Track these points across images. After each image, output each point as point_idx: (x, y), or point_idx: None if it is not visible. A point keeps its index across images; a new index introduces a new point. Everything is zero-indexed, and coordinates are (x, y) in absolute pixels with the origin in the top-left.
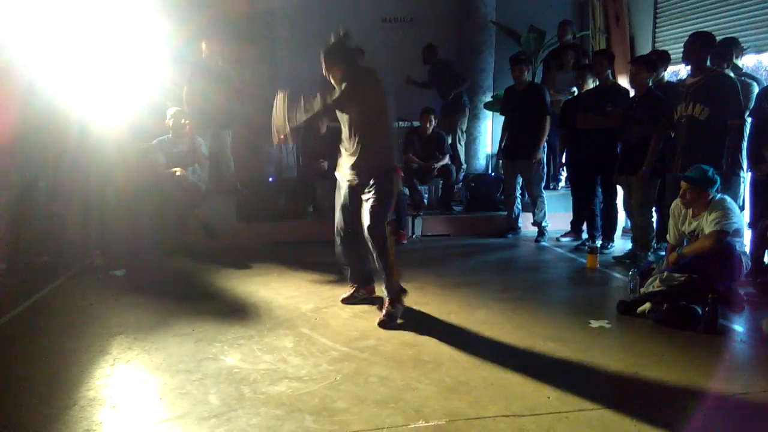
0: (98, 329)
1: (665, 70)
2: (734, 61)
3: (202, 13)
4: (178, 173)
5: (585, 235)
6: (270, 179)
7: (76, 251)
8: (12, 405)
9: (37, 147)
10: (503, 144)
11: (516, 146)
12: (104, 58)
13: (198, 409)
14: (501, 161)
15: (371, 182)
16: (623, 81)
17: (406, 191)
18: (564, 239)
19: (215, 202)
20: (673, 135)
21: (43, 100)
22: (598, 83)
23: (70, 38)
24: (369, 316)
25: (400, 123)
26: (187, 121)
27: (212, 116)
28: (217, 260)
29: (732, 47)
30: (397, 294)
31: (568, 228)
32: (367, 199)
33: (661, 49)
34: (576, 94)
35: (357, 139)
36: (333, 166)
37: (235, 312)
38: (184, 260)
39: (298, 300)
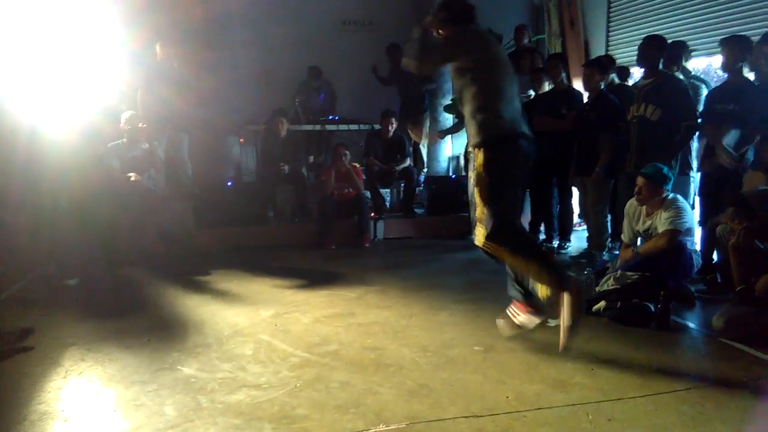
0: (50, 341)
1: (614, 73)
2: (683, 64)
3: (158, 16)
4: (132, 178)
5: (542, 236)
6: (229, 183)
7: (27, 260)
8: None
9: None
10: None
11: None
12: (57, 60)
13: (153, 420)
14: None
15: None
16: (578, 84)
17: (368, 194)
18: None
19: (172, 207)
20: (623, 137)
21: None
22: (553, 86)
23: (22, 39)
24: (331, 320)
25: (361, 126)
26: (143, 125)
27: (168, 120)
28: (174, 267)
29: (681, 50)
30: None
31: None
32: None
33: (613, 52)
34: (532, 97)
35: (465, 107)
36: (293, 170)
37: (193, 320)
38: (139, 268)
39: (259, 306)
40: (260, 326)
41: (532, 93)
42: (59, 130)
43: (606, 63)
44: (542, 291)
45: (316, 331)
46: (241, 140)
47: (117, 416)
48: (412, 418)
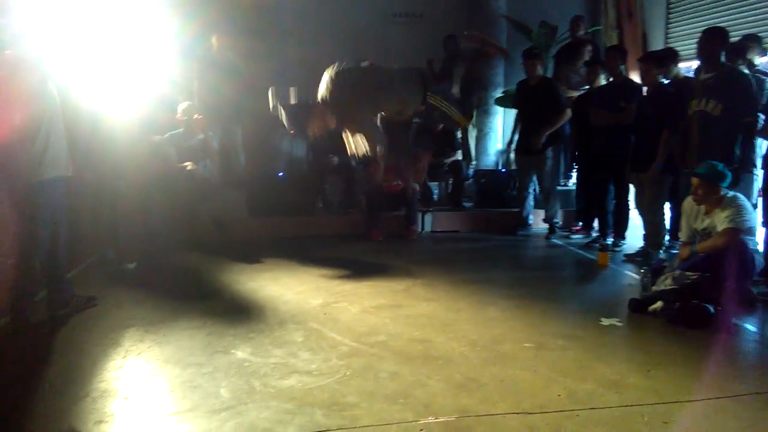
0: (110, 321)
1: (677, 66)
2: (751, 57)
3: (210, 7)
4: (189, 167)
5: (595, 233)
6: (280, 174)
7: (88, 245)
8: (25, 396)
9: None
10: (515, 139)
11: (530, 141)
12: (115, 52)
13: (208, 401)
14: (514, 156)
15: None
16: (636, 77)
17: (417, 187)
18: (575, 236)
19: (225, 196)
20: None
21: (54, 94)
22: (611, 79)
23: (82, 32)
24: (378, 311)
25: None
26: (198, 116)
27: (223, 111)
28: (227, 254)
29: (749, 43)
30: None
31: (578, 224)
32: None
33: (673, 45)
34: (587, 90)
35: None
36: (342, 162)
37: (246, 306)
38: (194, 254)
39: (308, 295)
40: (310, 314)
41: (587, 87)
42: (118, 120)
43: (663, 56)
44: None
45: (364, 321)
46: (292, 132)
47: (174, 396)
48: (462, 412)
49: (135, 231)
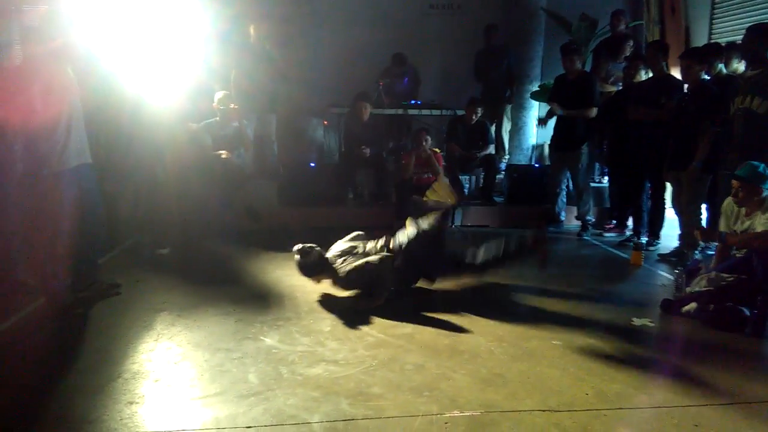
0: (143, 305)
1: (730, 62)
2: None
3: None
4: (223, 156)
5: (629, 232)
6: (312, 164)
7: (124, 229)
8: (60, 374)
9: (93, 127)
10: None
11: (564, 137)
12: (154, 40)
13: (237, 387)
14: (548, 152)
15: None
16: (678, 73)
17: (446, 181)
18: (608, 234)
19: (258, 185)
20: (723, 129)
21: (99, 81)
22: (651, 75)
23: (125, 20)
24: (404, 303)
25: (443, 111)
26: (234, 105)
27: (258, 100)
28: (259, 242)
29: None
30: None
31: (611, 222)
32: None
33: (717, 41)
34: (624, 85)
35: None
36: (373, 154)
37: (275, 294)
38: (226, 241)
39: None
40: (337, 305)
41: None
42: (157, 108)
43: (704, 53)
44: None
45: (391, 312)
46: (325, 123)
47: (203, 380)
48: (487, 407)
49: (170, 217)
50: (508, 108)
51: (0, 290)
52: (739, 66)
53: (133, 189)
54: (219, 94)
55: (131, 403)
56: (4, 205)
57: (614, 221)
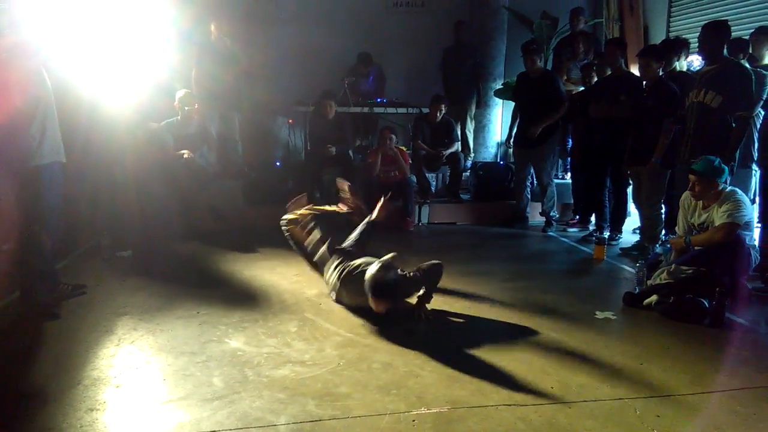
0: (104, 309)
1: (680, 59)
2: (763, 51)
3: None
4: (185, 156)
5: (593, 226)
6: (277, 163)
7: (84, 231)
8: (17, 382)
9: None
10: (514, 131)
11: (527, 134)
12: (113, 38)
13: (201, 390)
14: (512, 149)
15: None
16: (636, 70)
17: (414, 178)
18: (571, 229)
19: (222, 185)
20: (680, 125)
21: (54, 79)
22: (609, 72)
23: (81, 19)
24: None
25: (409, 109)
26: (196, 105)
27: (221, 98)
28: (223, 243)
29: (760, 36)
30: None
31: (575, 218)
32: None
33: (681, 37)
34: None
35: None
36: (339, 152)
37: (240, 295)
38: (190, 243)
39: (303, 285)
40: (305, 304)
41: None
42: (116, 108)
43: (662, 50)
44: None
45: (359, 312)
46: (290, 121)
47: (167, 385)
48: (454, 403)
49: (131, 219)
50: (473, 107)
51: None
52: (682, 63)
53: (91, 190)
54: (180, 93)
55: (92, 410)
56: None
57: (577, 216)
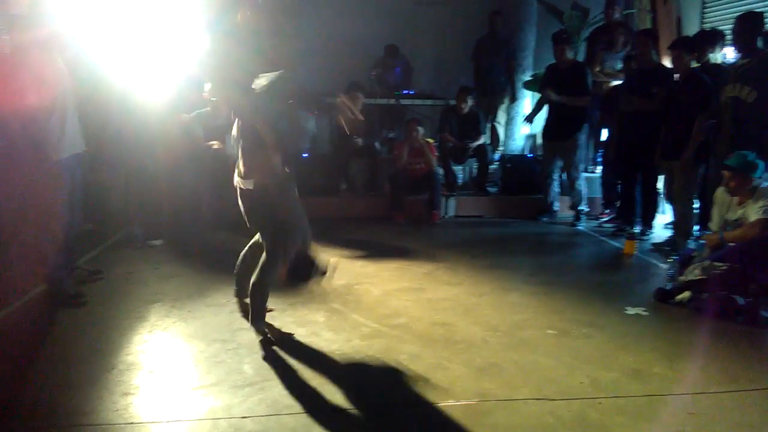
0: (137, 297)
1: (714, 51)
2: None
3: None
4: (215, 146)
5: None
6: (304, 155)
7: (117, 220)
8: (54, 366)
9: (82, 118)
10: (538, 120)
11: (557, 127)
12: (143, 30)
13: (232, 377)
14: (541, 142)
15: None
16: (669, 63)
17: (440, 171)
18: (601, 223)
19: None
20: (715, 119)
21: (87, 71)
22: (636, 64)
23: (112, 10)
24: (400, 294)
25: (436, 101)
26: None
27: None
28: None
29: None
30: None
31: (606, 211)
32: None
33: (716, 29)
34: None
35: None
36: (366, 144)
37: None
38: (219, 232)
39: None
40: (332, 295)
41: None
42: (146, 99)
43: (694, 42)
44: None
45: (386, 303)
46: (316, 113)
47: (198, 371)
48: (482, 396)
49: (162, 209)
50: (506, 99)
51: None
52: (717, 55)
53: (123, 180)
54: (209, 85)
55: (126, 394)
56: (11, 194)
57: (607, 210)
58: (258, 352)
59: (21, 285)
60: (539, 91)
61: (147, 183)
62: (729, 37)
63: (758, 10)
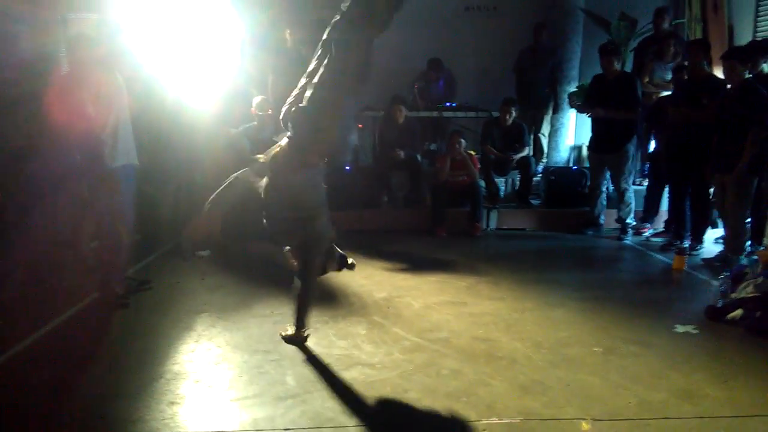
0: (184, 307)
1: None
2: None
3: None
4: (261, 160)
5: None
6: (347, 168)
7: (167, 232)
8: (102, 375)
9: (135, 131)
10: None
11: (605, 139)
12: (194, 45)
13: (275, 388)
14: (587, 153)
15: None
16: (720, 73)
17: (482, 183)
18: (648, 237)
19: None
20: None
21: (141, 87)
22: (691, 74)
23: (165, 26)
24: (441, 308)
25: (479, 113)
26: (271, 111)
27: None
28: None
29: None
30: None
31: (646, 226)
32: None
33: (763, 38)
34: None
35: None
36: (408, 156)
37: None
38: (264, 244)
39: (371, 288)
40: (373, 308)
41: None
42: (196, 113)
43: (747, 52)
44: None
45: (427, 317)
46: (360, 126)
47: (242, 381)
48: (526, 414)
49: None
50: (550, 110)
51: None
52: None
53: (173, 192)
54: (257, 99)
55: (172, 403)
56: (61, 205)
57: (647, 224)
58: (300, 364)
59: (76, 292)
60: (584, 103)
61: (195, 195)
62: None
63: None
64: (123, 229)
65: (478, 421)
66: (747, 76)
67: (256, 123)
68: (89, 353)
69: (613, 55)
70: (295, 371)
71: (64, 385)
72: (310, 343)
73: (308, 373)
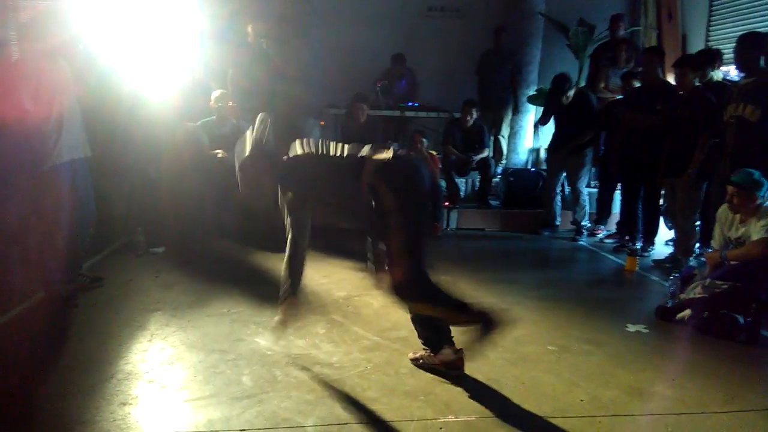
0: (137, 305)
1: (715, 69)
2: None
3: None
4: (220, 155)
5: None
6: None
7: (119, 227)
8: (52, 375)
9: (90, 124)
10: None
11: (565, 142)
12: (152, 37)
13: (231, 389)
14: (546, 155)
15: None
16: (673, 80)
17: (443, 183)
18: (600, 239)
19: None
20: (719, 137)
21: (96, 78)
22: (641, 81)
23: (122, 17)
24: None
25: (440, 114)
26: (231, 104)
27: (256, 98)
28: (254, 243)
29: None
30: None
31: (599, 227)
32: None
33: (713, 48)
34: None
35: None
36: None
37: (270, 295)
38: (222, 241)
39: (331, 287)
40: (333, 306)
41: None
42: (154, 106)
43: (699, 60)
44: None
45: (387, 315)
46: (322, 123)
47: (197, 381)
48: (481, 413)
49: (164, 216)
50: (509, 113)
51: None
52: (718, 73)
53: (128, 187)
54: (216, 93)
55: (124, 404)
56: (6, 201)
57: (600, 225)
58: (257, 364)
59: (21, 291)
60: (541, 119)
61: (150, 190)
62: (729, 55)
63: (761, 29)
64: (65, 227)
65: (435, 419)
66: (697, 83)
67: (215, 117)
68: (36, 353)
69: (567, 91)
70: (252, 371)
71: (11, 386)
72: (268, 342)
73: (265, 373)
